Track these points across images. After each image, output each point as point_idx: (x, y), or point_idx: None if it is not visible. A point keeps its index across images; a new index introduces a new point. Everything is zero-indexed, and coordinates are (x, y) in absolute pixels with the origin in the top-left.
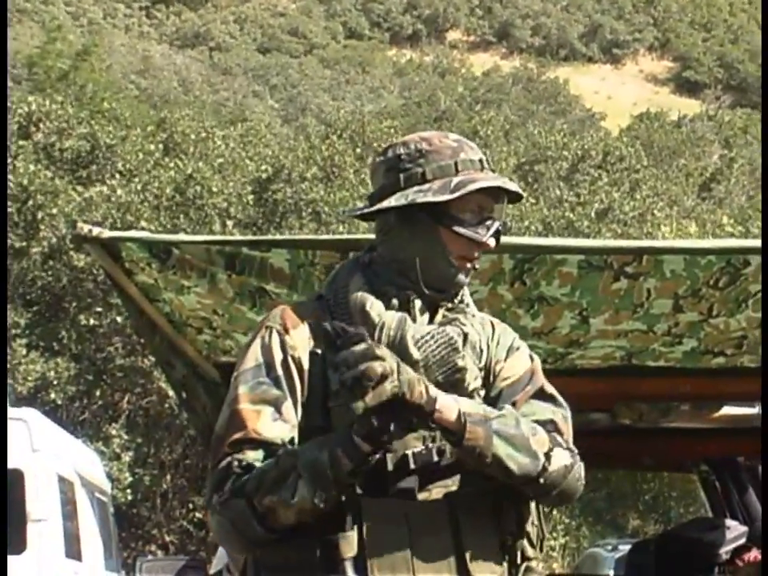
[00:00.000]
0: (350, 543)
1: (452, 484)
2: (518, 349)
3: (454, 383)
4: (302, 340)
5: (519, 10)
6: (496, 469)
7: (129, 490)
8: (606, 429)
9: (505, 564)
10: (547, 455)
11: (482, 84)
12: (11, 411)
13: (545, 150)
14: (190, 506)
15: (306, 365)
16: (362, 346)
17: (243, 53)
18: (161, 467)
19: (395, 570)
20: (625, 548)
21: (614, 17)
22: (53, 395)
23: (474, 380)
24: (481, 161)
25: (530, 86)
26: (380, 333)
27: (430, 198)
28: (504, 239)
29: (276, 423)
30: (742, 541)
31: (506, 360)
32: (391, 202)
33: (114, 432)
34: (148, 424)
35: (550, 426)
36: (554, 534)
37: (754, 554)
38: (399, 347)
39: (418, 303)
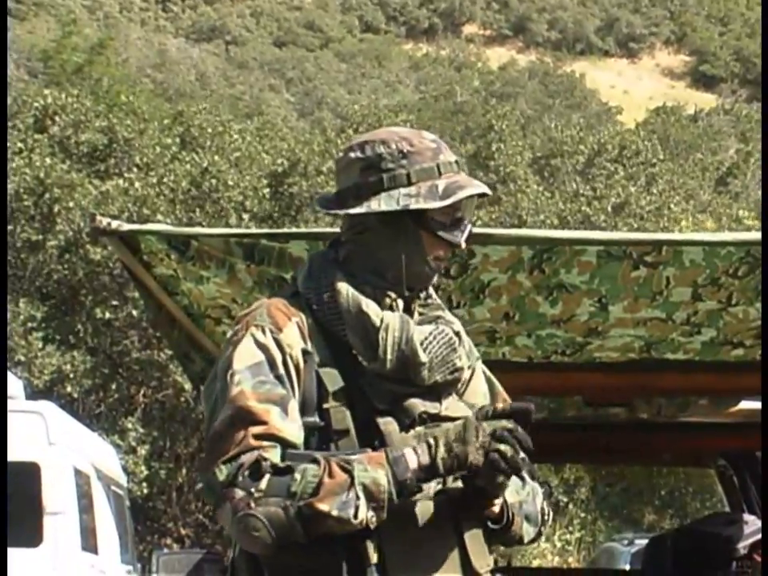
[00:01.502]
0: (373, 548)
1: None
2: (478, 359)
3: (451, 382)
4: (294, 339)
5: (535, 3)
6: (515, 543)
7: (144, 484)
8: (624, 423)
9: (491, 556)
10: (543, 519)
11: (498, 78)
12: (27, 404)
13: (561, 144)
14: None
15: (300, 364)
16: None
17: (259, 46)
18: (176, 460)
19: (412, 573)
20: (641, 543)
21: (630, 11)
22: (69, 388)
23: (466, 377)
24: (457, 162)
25: (546, 80)
26: (384, 334)
27: (422, 205)
28: (521, 231)
29: (285, 423)
30: (760, 536)
31: (468, 359)
32: (381, 204)
33: (129, 425)
34: (164, 417)
35: (528, 464)
36: (570, 529)
37: None
38: (407, 349)
39: (401, 303)
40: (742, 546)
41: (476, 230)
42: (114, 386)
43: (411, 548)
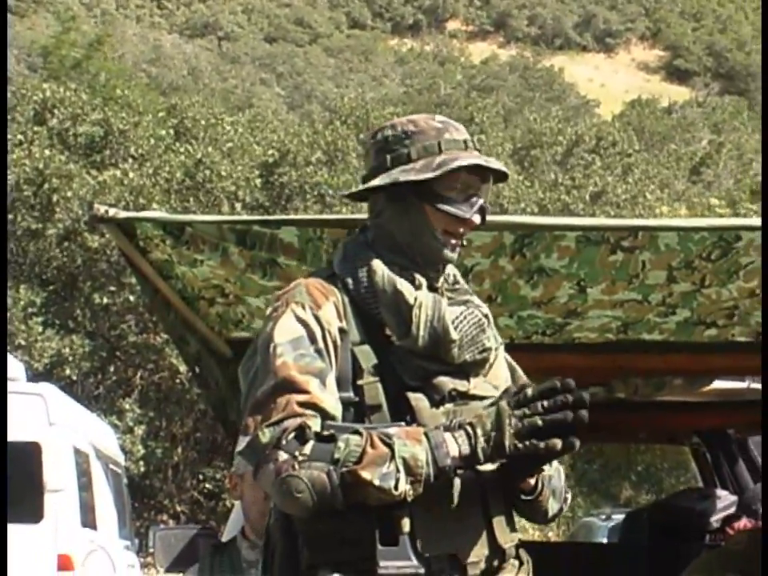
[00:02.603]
0: (406, 519)
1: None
2: (501, 344)
3: (479, 361)
4: (331, 316)
5: (516, 0)
6: (539, 518)
7: (141, 462)
8: (602, 402)
9: (515, 533)
10: (565, 497)
11: (480, 72)
12: (28, 386)
13: (540, 135)
14: (201, 477)
15: (338, 341)
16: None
17: (250, 42)
18: (172, 440)
19: (441, 545)
20: (618, 517)
21: (606, 7)
22: (68, 371)
23: (494, 358)
24: (465, 141)
25: (527, 74)
26: (418, 312)
27: (412, 177)
28: (504, 218)
29: (324, 394)
30: (732, 510)
31: (497, 350)
32: (376, 181)
33: (127, 406)
34: (160, 399)
35: None
36: None
37: (744, 523)
38: (439, 327)
39: (424, 282)
40: (715, 520)
41: None
42: (111, 369)
43: (440, 522)
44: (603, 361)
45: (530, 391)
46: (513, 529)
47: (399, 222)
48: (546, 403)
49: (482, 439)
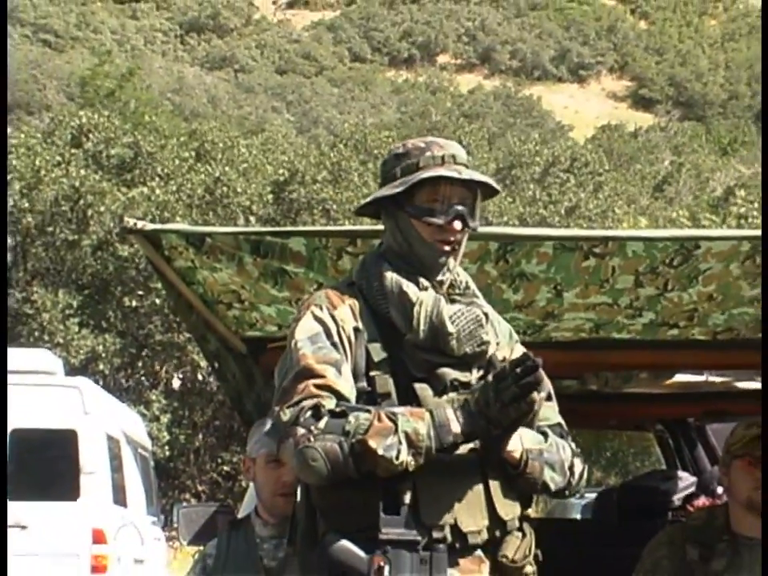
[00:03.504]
0: (408, 491)
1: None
2: (516, 341)
3: (478, 354)
4: (347, 316)
5: (499, 36)
6: (540, 489)
7: (167, 447)
8: (576, 394)
9: (518, 507)
10: (571, 470)
11: (468, 100)
12: (66, 380)
13: (520, 156)
14: (219, 460)
15: (352, 338)
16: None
17: (263, 74)
18: (194, 427)
19: (441, 515)
20: (591, 496)
21: (579, 43)
22: (101, 366)
23: (493, 351)
24: (443, 156)
25: (509, 102)
26: (419, 308)
27: (387, 192)
28: (489, 229)
29: (340, 380)
30: (692, 489)
31: (508, 343)
32: (367, 199)
33: (153, 397)
34: (183, 391)
35: (559, 428)
36: None
37: (702, 501)
38: (437, 321)
39: (428, 285)
40: (677, 498)
41: None
42: (140, 364)
43: (441, 494)
44: (577, 357)
45: (507, 366)
46: (516, 504)
47: (394, 234)
48: (518, 371)
49: (478, 417)
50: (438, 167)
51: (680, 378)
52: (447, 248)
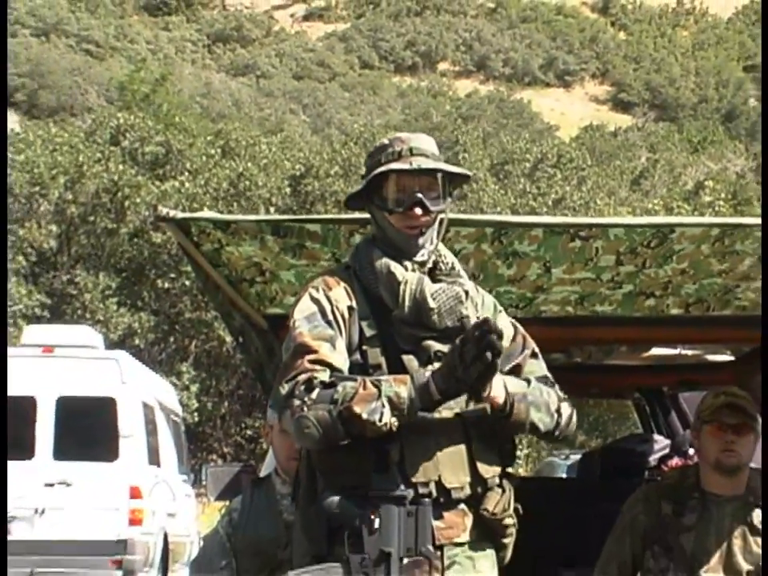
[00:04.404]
0: (396, 451)
1: (455, 406)
2: (500, 311)
3: (459, 328)
4: (341, 297)
5: (493, 46)
6: (528, 430)
7: (195, 413)
8: (563, 366)
9: (499, 466)
10: (558, 412)
11: (465, 103)
12: (106, 353)
13: (512, 153)
14: (243, 425)
15: (345, 315)
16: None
17: (282, 79)
18: (220, 396)
19: (426, 473)
20: (575, 457)
21: (565, 52)
22: (137, 341)
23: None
24: (401, 151)
25: (501, 105)
26: (404, 287)
27: (354, 190)
28: (485, 216)
29: (334, 354)
30: (666, 451)
31: (492, 315)
32: (345, 197)
33: (184, 369)
34: (210, 363)
35: (545, 380)
36: (520, 447)
37: (675, 461)
38: (419, 298)
39: (412, 266)
40: (653, 459)
41: (451, 215)
42: (171, 339)
43: (426, 453)
44: (563, 332)
45: (468, 331)
46: (497, 463)
47: (375, 225)
48: (476, 334)
49: (452, 380)
50: (394, 162)
51: (656, 351)
52: (414, 232)
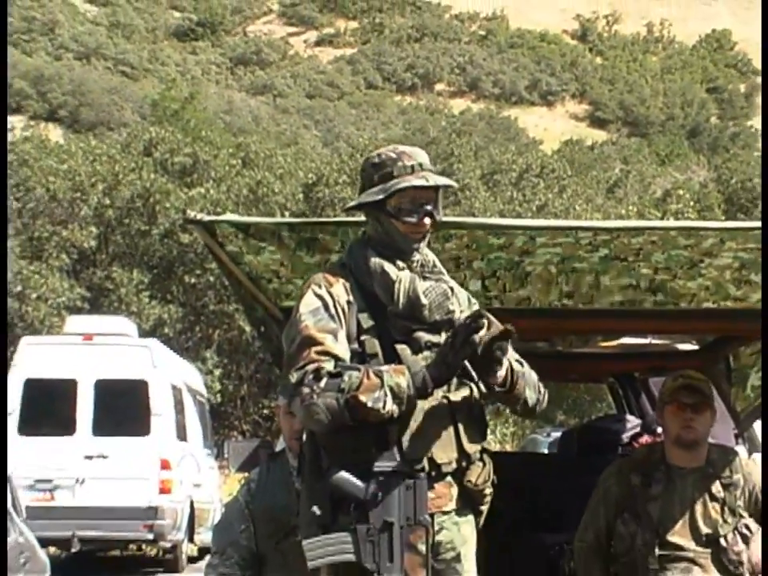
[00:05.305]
0: (394, 432)
1: (443, 392)
2: (474, 304)
3: (447, 321)
4: (341, 292)
5: (484, 69)
6: (520, 406)
7: (218, 395)
8: (546, 353)
9: (479, 443)
10: (539, 390)
11: (458, 120)
12: (139, 341)
13: (500, 164)
14: (260, 405)
15: (345, 309)
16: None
17: (296, 98)
18: (240, 379)
19: (421, 450)
20: (556, 435)
21: (548, 74)
22: (167, 330)
23: (457, 317)
24: (413, 165)
25: (491, 121)
26: (398, 285)
27: (369, 199)
28: (478, 219)
29: (337, 345)
30: (637, 430)
31: (468, 307)
32: (352, 203)
33: (208, 355)
34: (232, 350)
35: (520, 363)
36: (506, 425)
37: (645, 439)
38: (413, 295)
39: (403, 265)
40: (625, 437)
41: (446, 218)
42: (197, 329)
43: (421, 434)
44: (547, 323)
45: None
46: (478, 440)
47: (375, 229)
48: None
49: (445, 367)
50: (410, 176)
51: (627, 340)
52: (418, 236)
